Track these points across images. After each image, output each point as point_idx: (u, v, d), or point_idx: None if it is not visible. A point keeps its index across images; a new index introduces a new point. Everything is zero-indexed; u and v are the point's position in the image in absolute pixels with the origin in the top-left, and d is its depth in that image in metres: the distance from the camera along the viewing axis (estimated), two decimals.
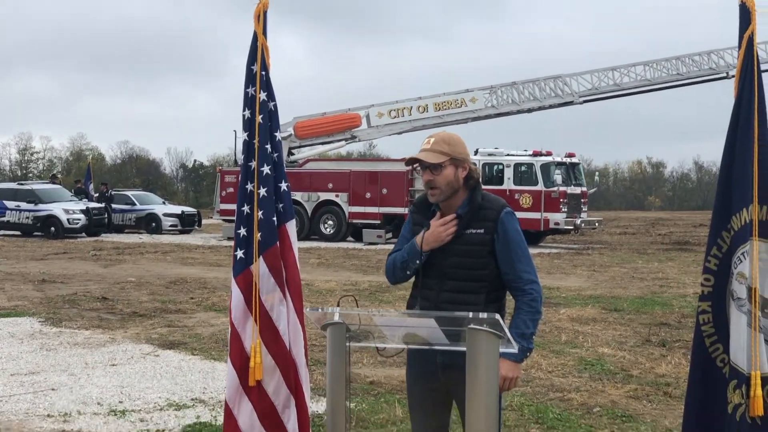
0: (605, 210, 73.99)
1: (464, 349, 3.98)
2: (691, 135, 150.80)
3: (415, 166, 4.64)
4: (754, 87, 4.40)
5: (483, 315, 3.93)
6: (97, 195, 43.55)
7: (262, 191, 5.04)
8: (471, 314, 3.96)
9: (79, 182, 46.85)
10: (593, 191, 41.74)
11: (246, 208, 5.08)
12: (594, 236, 42.22)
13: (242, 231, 5.08)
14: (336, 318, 4.23)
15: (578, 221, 34.98)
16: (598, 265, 25.76)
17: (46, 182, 45.90)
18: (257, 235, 5.03)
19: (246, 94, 5.13)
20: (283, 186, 5.16)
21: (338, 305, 4.36)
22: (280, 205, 5.14)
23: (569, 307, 15.51)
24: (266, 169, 5.05)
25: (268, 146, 5.08)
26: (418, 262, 4.60)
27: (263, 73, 5.10)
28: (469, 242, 4.55)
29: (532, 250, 4.70)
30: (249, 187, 5.08)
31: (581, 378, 9.88)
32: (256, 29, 5.13)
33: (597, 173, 63.95)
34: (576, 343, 12.03)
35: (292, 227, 5.20)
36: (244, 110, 5.14)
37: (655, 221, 59.55)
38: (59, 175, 59.80)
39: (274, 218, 5.07)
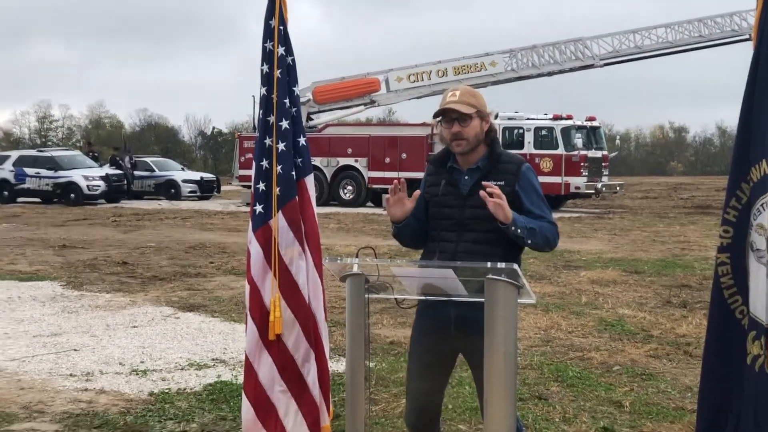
0: (627, 176, 73.48)
1: (482, 300, 3.98)
2: (714, 99, 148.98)
3: (438, 119, 4.64)
4: None
5: (501, 265, 3.93)
6: (130, 165, 42.57)
7: (281, 146, 5.05)
8: (489, 264, 3.96)
9: (118, 149, 45.79)
10: (614, 155, 41.56)
11: (265, 163, 5.09)
12: (615, 200, 42.06)
13: (261, 186, 5.09)
14: (355, 269, 4.25)
15: (599, 185, 34.76)
16: (619, 228, 25.69)
17: (67, 149, 45.58)
18: (276, 190, 5.05)
19: (264, 48, 5.14)
20: (302, 141, 5.18)
21: (357, 256, 4.35)
22: (299, 160, 5.16)
23: (589, 270, 15.50)
24: (285, 124, 5.07)
25: (287, 101, 5.10)
26: (393, 229, 4.76)
27: (281, 27, 5.11)
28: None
29: (552, 215, 4.70)
30: (267, 141, 5.10)
31: (601, 338, 9.89)
32: None
33: (618, 137, 63.68)
34: (596, 304, 12.03)
35: (310, 181, 5.23)
36: (262, 65, 5.14)
37: (677, 186, 59.19)
38: (93, 143, 58.05)
39: (293, 173, 5.08)
